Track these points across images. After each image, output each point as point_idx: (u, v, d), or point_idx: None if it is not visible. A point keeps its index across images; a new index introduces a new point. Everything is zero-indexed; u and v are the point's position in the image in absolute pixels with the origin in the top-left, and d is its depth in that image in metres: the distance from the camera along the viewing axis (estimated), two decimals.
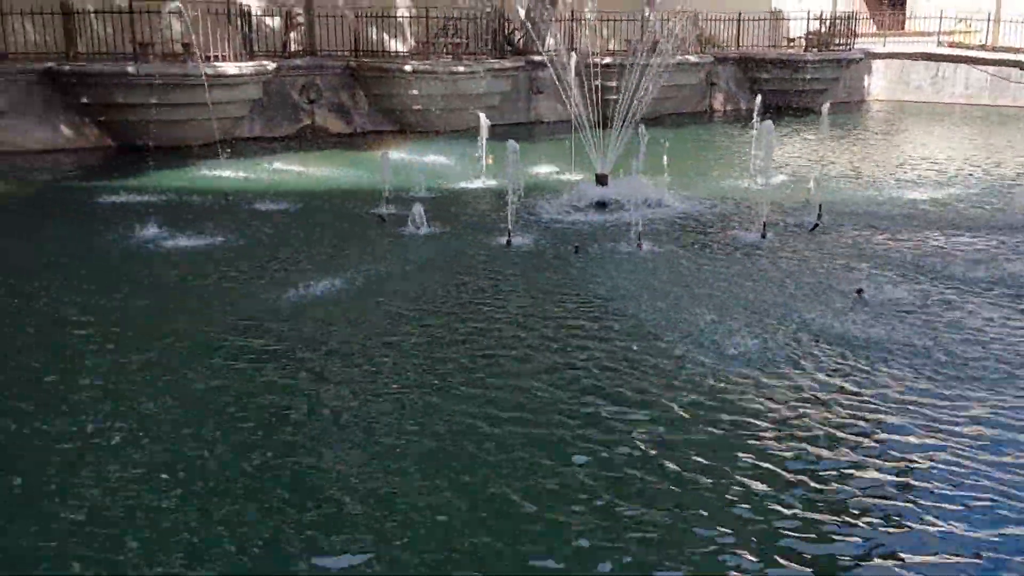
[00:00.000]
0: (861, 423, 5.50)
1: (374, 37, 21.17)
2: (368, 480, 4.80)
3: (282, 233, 10.40)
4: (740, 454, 5.08)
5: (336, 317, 7.32)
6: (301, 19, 20.19)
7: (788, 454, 5.11)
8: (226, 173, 14.12)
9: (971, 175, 14.57)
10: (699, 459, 5.01)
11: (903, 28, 29.72)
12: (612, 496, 4.60)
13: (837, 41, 26.63)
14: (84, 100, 16.17)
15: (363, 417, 5.55)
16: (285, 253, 9.49)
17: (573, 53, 15.60)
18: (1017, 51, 26.15)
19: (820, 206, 11.07)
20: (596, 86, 13.53)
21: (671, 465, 4.94)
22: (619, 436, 5.28)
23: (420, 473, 4.86)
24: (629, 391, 5.91)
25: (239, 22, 17.84)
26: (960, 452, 5.07)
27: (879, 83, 28.23)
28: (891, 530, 4.38)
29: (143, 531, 4.34)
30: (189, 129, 16.53)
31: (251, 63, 17.16)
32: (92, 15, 17.30)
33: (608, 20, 22.85)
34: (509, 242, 9.69)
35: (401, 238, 10.15)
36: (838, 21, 27.19)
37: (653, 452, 5.09)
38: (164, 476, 4.84)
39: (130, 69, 15.81)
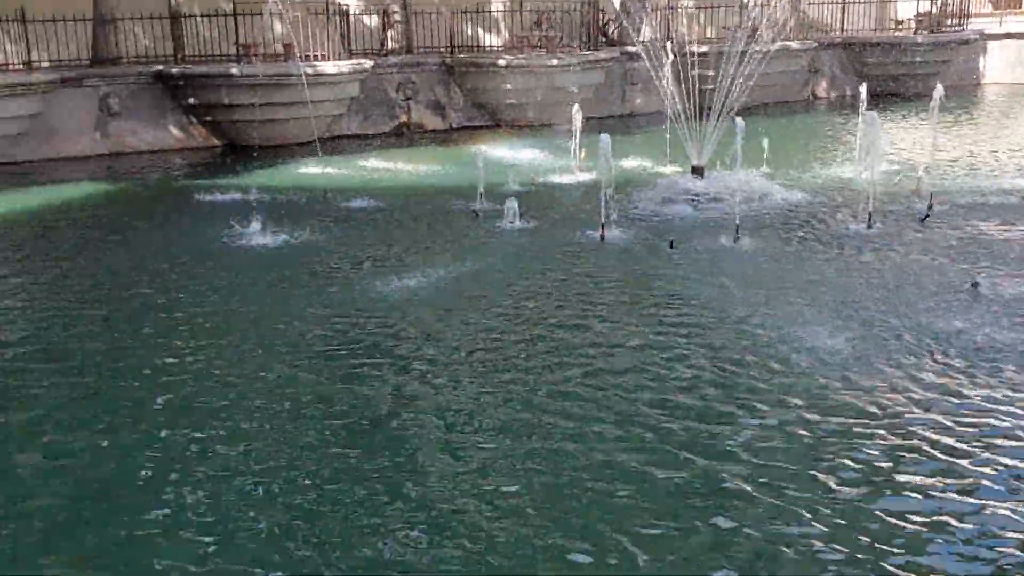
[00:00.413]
0: (971, 429, 5.19)
1: (469, 33, 21.29)
2: (465, 482, 4.79)
3: (378, 229, 10.55)
4: (838, 460, 4.87)
5: (431, 312, 7.37)
6: (398, 17, 20.45)
7: (886, 463, 4.87)
8: (325, 170, 14.43)
9: None
10: (795, 465, 4.82)
11: (1021, 6, 28.12)
12: (713, 503, 4.47)
13: (949, 22, 25.41)
14: (191, 101, 16.77)
15: (461, 415, 5.55)
16: (381, 249, 9.63)
17: (668, 43, 15.32)
18: None
19: (931, 195, 10.58)
20: (692, 76, 13.25)
21: (768, 472, 4.75)
22: (717, 441, 5.13)
23: (516, 471, 4.83)
24: (724, 392, 5.75)
25: (338, 21, 18.19)
26: None
27: (994, 65, 26.78)
28: (1003, 549, 4.11)
29: (253, 525, 4.44)
30: (290, 127, 16.95)
31: (349, 62, 17.48)
32: (198, 19, 17.93)
33: (705, 8, 22.41)
34: (603, 236, 9.58)
35: (495, 233, 10.16)
36: (950, 1, 25.94)
37: (750, 458, 4.92)
38: (267, 477, 4.94)
39: (234, 70, 16.31)
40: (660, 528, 4.30)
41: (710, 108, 12.36)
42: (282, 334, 7.00)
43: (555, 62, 19.14)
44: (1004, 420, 5.26)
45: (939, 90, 11.01)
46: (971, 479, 4.65)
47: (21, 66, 16.41)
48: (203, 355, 6.61)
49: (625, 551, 4.12)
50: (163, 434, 5.40)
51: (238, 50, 16.96)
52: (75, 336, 7.16)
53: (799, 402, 5.55)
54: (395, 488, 4.69)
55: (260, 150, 16.18)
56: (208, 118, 17.06)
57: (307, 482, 4.79)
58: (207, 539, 4.31)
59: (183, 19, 17.90)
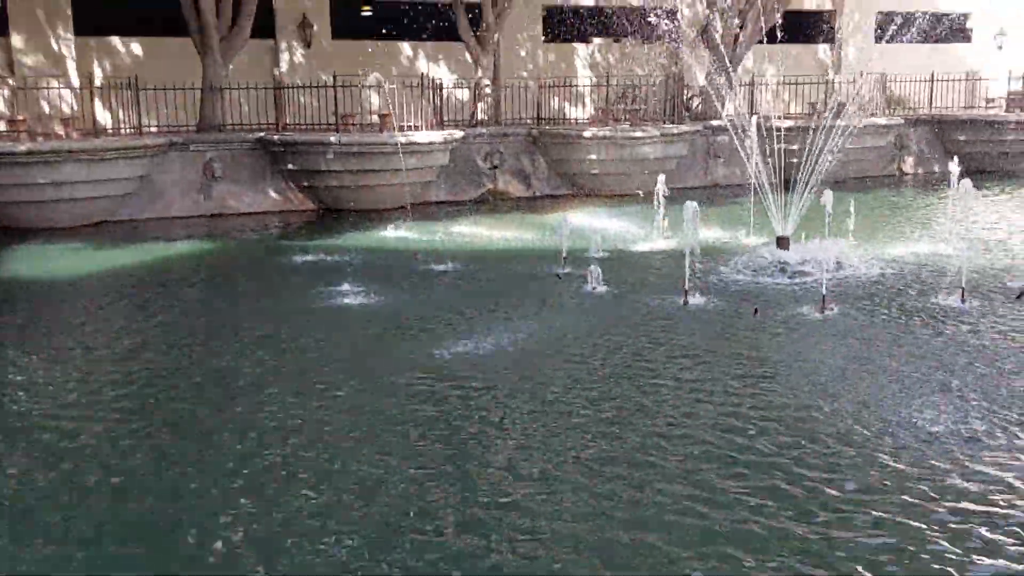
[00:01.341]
0: None
1: (555, 105, 21.88)
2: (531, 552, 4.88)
3: (462, 291, 10.82)
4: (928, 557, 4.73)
5: (509, 373, 7.52)
6: (488, 90, 21.19)
7: (982, 554, 4.78)
8: (414, 235, 14.90)
9: None
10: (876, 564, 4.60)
11: None
12: None
13: None
14: (290, 167, 17.59)
15: (526, 484, 5.54)
16: (465, 309, 9.82)
17: (754, 117, 15.51)
18: None
19: None
20: (777, 149, 13.36)
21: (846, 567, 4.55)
22: (786, 532, 4.87)
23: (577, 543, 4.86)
24: (799, 476, 5.51)
25: (431, 94, 18.95)
26: None
27: None
28: None
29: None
30: (383, 194, 17.59)
31: (441, 132, 18.14)
32: (300, 89, 18.89)
33: (790, 84, 22.56)
34: (686, 302, 9.67)
35: (577, 296, 10.33)
36: None
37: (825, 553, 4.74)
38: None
39: (332, 139, 17.08)
40: None
41: (795, 181, 12.42)
42: (368, 392, 7.16)
43: (639, 134, 19.49)
44: None
45: None
46: None
47: (132, 131, 17.51)
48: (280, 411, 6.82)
49: None
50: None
51: (336, 119, 17.78)
52: (175, 397, 7.50)
53: (883, 486, 5.44)
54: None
55: (353, 215, 16.81)
56: (305, 183, 17.83)
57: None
58: None
59: (285, 90, 18.90)
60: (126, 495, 5.43)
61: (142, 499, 5.36)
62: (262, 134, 17.88)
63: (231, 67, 18.79)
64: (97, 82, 18.25)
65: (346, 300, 10.26)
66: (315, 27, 21.59)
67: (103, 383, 7.57)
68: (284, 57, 21.62)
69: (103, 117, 18.05)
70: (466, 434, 6.28)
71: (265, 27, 20.83)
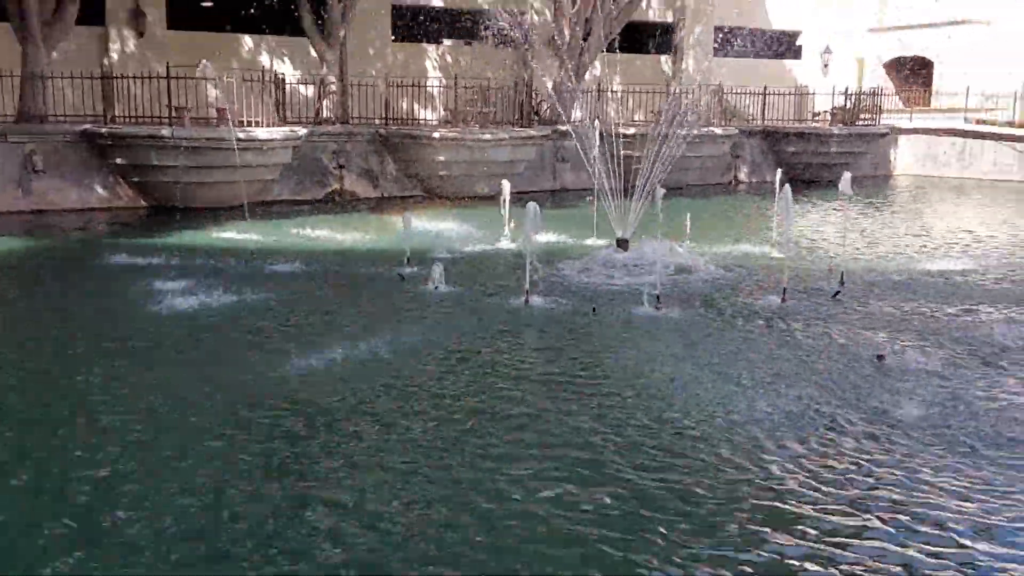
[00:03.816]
0: (878, 492, 5.35)
1: (405, 106, 21.70)
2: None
3: (301, 293, 10.46)
4: (740, 521, 4.96)
5: (348, 373, 7.31)
6: (334, 87, 20.75)
7: (795, 525, 4.98)
8: (252, 235, 14.34)
9: (996, 248, 14.45)
10: (699, 526, 4.86)
11: (928, 105, 29.92)
12: None
13: (863, 116, 26.85)
14: (119, 161, 16.63)
15: (365, 487, 5.35)
16: (303, 312, 9.53)
17: (597, 122, 15.87)
18: None
19: (842, 274, 11.03)
20: (619, 155, 13.69)
21: (676, 543, 4.74)
22: (622, 512, 5.15)
23: (424, 548, 4.72)
24: (633, 458, 5.76)
25: (272, 89, 18.36)
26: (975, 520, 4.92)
27: (905, 158, 28.32)
28: None
29: None
30: (219, 191, 16.89)
31: (282, 128, 17.60)
32: (131, 80, 17.90)
33: (635, 92, 23.25)
34: (527, 301, 9.71)
35: (419, 296, 10.20)
36: (864, 97, 27.45)
37: (652, 513, 4.98)
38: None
39: (164, 132, 16.26)
40: None
41: (635, 186, 12.76)
42: (198, 406, 6.62)
43: (488, 136, 19.57)
44: (901, 475, 5.44)
45: (847, 178, 11.60)
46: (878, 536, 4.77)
47: None
48: (115, 435, 6.21)
49: None
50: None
51: (170, 112, 16.94)
52: None
53: (706, 465, 5.64)
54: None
55: (187, 213, 16.04)
56: (136, 179, 16.90)
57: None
58: None
59: (115, 80, 17.85)
60: None
61: None
62: (87, 126, 16.82)
63: (55, 55, 17.58)
64: None
65: (172, 302, 9.71)
66: (149, 16, 20.54)
67: None
68: (115, 46, 20.46)
69: None
70: (294, 450, 6.02)
71: (95, 14, 19.64)
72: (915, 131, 28.21)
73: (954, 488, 5.26)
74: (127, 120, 17.82)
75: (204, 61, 15.89)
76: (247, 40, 21.82)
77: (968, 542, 4.67)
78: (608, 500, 5.07)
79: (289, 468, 5.51)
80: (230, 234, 14.60)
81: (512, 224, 13.76)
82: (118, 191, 17.08)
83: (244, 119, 16.84)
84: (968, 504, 5.09)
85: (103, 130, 16.61)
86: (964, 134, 27.29)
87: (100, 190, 16.94)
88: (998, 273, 12.15)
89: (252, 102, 17.16)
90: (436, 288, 10.31)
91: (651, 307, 9.50)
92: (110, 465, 5.46)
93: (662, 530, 4.72)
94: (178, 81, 16.97)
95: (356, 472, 5.43)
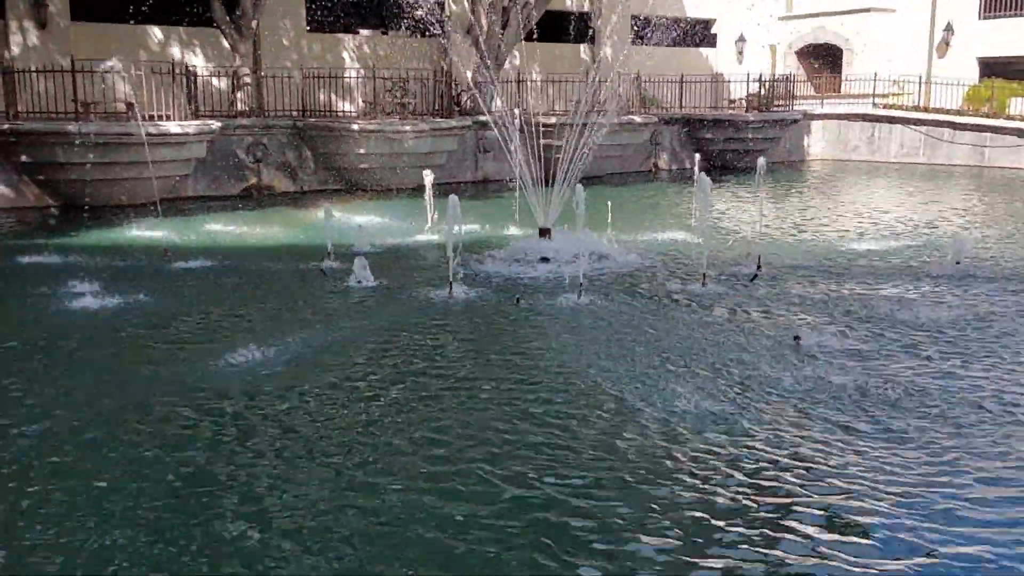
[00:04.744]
0: (795, 463, 5.48)
1: (322, 98, 21.34)
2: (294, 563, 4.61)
3: (217, 291, 10.23)
4: (666, 501, 5.03)
5: (273, 372, 7.16)
6: (248, 79, 20.28)
7: (713, 498, 5.07)
8: (165, 232, 13.91)
9: (905, 228, 14.97)
10: (631, 507, 4.94)
11: (839, 91, 30.78)
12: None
13: (776, 103, 27.47)
14: (23, 159, 15.96)
15: (291, 489, 5.29)
16: (222, 310, 9.31)
17: (517, 112, 15.87)
18: (948, 112, 27.19)
19: (759, 257, 11.26)
20: (540, 145, 13.71)
21: (614, 524, 4.81)
22: (555, 496, 5.18)
23: (353, 549, 4.69)
24: (564, 444, 5.80)
25: (184, 82, 17.85)
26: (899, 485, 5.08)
27: (818, 143, 29.11)
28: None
29: None
30: (130, 188, 16.37)
31: (194, 122, 17.13)
32: (34, 74, 17.18)
33: (554, 82, 23.32)
34: (451, 293, 9.66)
35: (343, 291, 10.07)
36: (777, 84, 28.10)
37: (589, 504, 5.01)
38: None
39: (70, 128, 15.65)
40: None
41: (555, 175, 12.79)
42: (113, 412, 6.45)
43: (408, 128, 19.40)
44: (814, 447, 5.59)
45: (761, 163, 11.85)
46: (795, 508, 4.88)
47: None
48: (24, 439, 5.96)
49: None
50: None
51: (76, 107, 16.32)
52: None
53: (632, 448, 5.70)
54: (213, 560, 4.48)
55: (97, 211, 15.51)
56: (42, 177, 16.26)
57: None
58: None
59: (16, 74, 17.12)
60: None
61: None
62: None
63: None
64: None
65: (80, 304, 9.36)
66: (51, 6, 19.74)
67: None
68: (15, 38, 19.60)
69: None
70: (215, 450, 5.87)
71: None
72: (827, 116, 29.01)
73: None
74: (31, 116, 17.10)
75: (107, 62, 15.34)
76: (156, 31, 21.15)
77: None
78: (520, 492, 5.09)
79: (195, 476, 5.37)
80: (142, 232, 14.17)
81: (435, 215, 13.68)
82: (24, 190, 16.41)
83: (155, 113, 16.33)
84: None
85: (5, 127, 15.92)
86: (873, 119, 28.18)
87: (4, 189, 16.25)
88: (907, 253, 12.58)
89: (163, 96, 16.65)
90: (360, 283, 10.18)
91: (574, 296, 9.55)
92: None
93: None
94: (84, 75, 16.36)
95: (257, 478, 5.33)
